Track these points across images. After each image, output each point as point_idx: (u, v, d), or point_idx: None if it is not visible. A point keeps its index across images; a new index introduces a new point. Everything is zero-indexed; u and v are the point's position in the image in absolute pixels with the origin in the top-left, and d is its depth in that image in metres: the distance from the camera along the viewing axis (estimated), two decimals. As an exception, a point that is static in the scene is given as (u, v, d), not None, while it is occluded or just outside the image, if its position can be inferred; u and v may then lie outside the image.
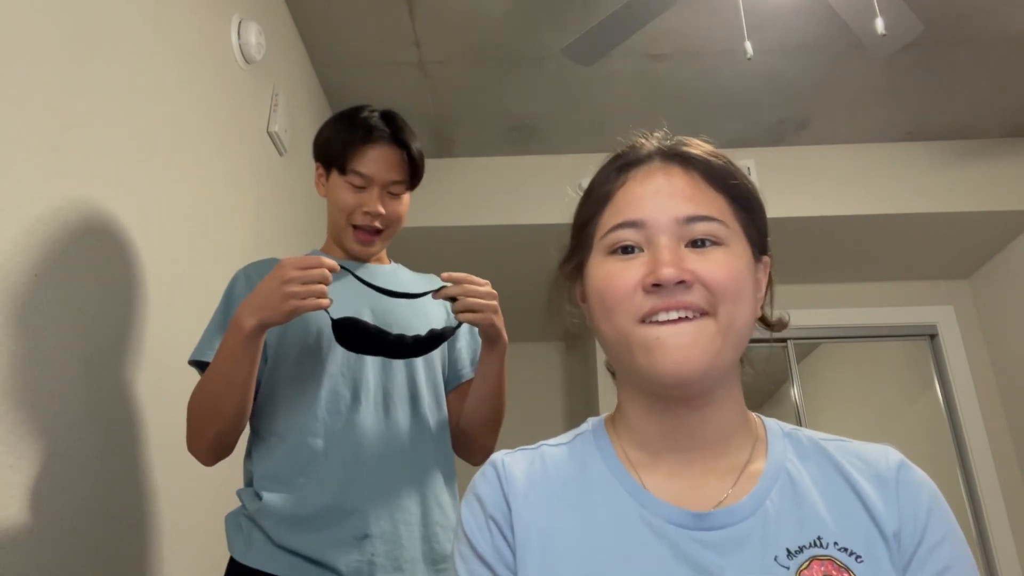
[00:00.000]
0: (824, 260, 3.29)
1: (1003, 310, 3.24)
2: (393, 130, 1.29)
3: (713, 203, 0.69)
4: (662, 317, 0.65)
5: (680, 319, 0.64)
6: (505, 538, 0.67)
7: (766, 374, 3.51)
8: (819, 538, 0.62)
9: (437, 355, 1.30)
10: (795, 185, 3.02)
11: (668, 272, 0.64)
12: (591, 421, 0.77)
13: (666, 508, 0.65)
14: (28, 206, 1.06)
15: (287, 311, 1.06)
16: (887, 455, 0.69)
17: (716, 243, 0.67)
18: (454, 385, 1.32)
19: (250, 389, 1.14)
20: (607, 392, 3.08)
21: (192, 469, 1.51)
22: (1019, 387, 3.13)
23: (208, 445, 1.16)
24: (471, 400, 1.27)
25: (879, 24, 1.86)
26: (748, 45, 1.92)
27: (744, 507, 0.65)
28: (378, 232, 1.30)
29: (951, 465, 3.17)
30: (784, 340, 3.33)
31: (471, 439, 1.29)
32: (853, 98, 2.82)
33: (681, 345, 0.63)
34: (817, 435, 0.72)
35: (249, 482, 1.20)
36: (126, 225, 1.31)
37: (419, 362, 1.26)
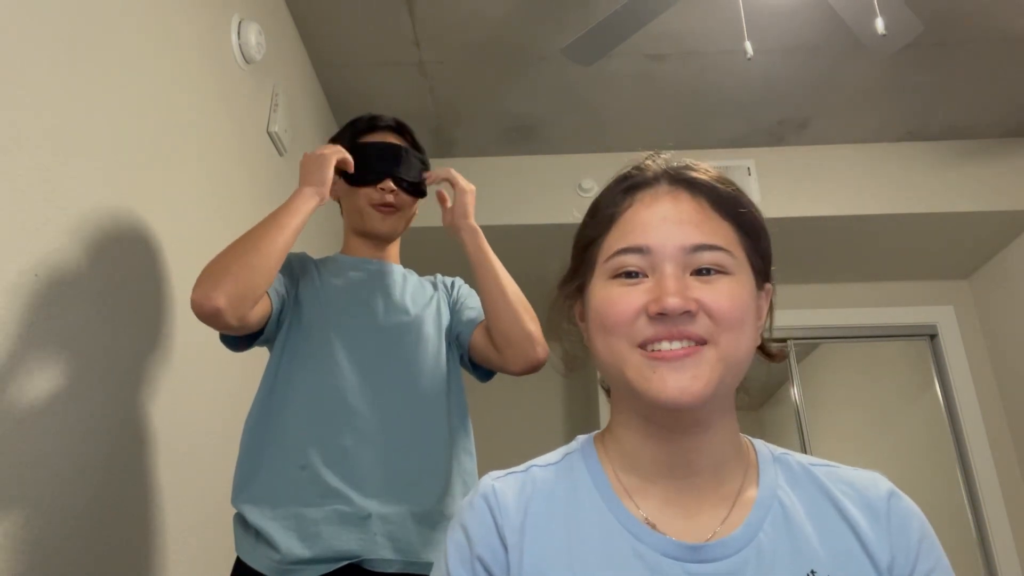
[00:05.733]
0: (824, 260, 3.28)
1: (1003, 310, 3.24)
2: (397, 122, 1.42)
3: (720, 231, 0.68)
4: (664, 346, 0.64)
5: (681, 349, 0.64)
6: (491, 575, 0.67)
7: (766, 374, 3.50)
8: (813, 572, 0.63)
9: (438, 353, 1.32)
10: (795, 185, 3.02)
11: (674, 302, 0.63)
12: (580, 440, 0.76)
13: (660, 540, 0.65)
14: (27, 207, 1.06)
15: (322, 163, 1.27)
16: (876, 484, 0.69)
17: (721, 272, 0.66)
18: (471, 329, 1.33)
19: (290, 239, 1.19)
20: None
21: (198, 469, 1.51)
22: (1019, 387, 3.13)
23: (231, 273, 1.10)
24: (487, 305, 1.28)
25: (879, 24, 1.86)
26: (748, 45, 1.92)
27: (738, 539, 0.64)
28: (395, 208, 1.37)
29: (951, 465, 3.16)
30: (784, 340, 3.33)
31: (511, 340, 1.24)
32: (853, 98, 2.82)
33: (679, 378, 0.63)
34: (806, 460, 0.72)
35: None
36: (124, 226, 1.31)
37: (424, 354, 1.29)
